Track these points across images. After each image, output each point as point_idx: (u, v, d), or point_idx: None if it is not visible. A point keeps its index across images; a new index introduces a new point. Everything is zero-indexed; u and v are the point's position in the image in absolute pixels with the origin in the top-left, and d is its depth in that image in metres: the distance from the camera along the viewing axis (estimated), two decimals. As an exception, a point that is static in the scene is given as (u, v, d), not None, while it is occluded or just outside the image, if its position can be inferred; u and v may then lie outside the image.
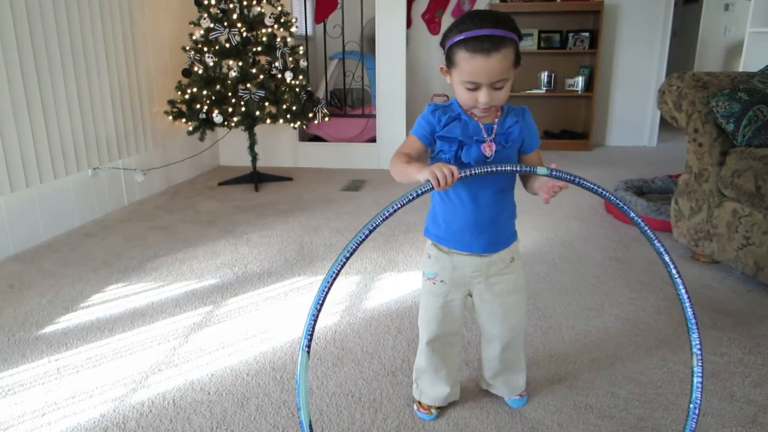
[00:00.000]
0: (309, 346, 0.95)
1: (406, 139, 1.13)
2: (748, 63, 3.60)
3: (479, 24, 0.97)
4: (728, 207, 2.07)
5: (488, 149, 1.07)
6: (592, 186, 0.93)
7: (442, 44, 1.05)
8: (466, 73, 1.00)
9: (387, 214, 0.93)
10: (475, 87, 1.01)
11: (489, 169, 0.95)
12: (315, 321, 0.95)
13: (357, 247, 0.94)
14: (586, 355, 1.59)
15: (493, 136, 1.08)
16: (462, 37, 0.98)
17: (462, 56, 0.99)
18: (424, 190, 0.95)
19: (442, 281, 1.18)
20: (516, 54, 1.01)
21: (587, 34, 4.96)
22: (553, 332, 1.71)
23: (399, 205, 0.93)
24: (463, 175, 0.94)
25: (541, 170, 0.91)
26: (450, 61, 1.04)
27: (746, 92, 2.05)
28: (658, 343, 1.66)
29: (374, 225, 0.93)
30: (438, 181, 0.93)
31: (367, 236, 0.93)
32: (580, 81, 4.99)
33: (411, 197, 0.94)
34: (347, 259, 0.94)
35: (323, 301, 0.95)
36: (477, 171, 0.95)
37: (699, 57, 6.23)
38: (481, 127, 1.08)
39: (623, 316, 1.82)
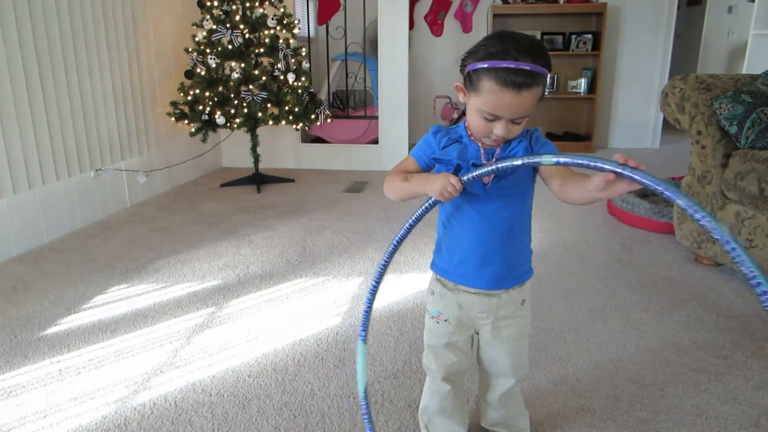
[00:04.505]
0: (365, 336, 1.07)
1: (404, 158, 1.07)
2: (751, 65, 3.59)
3: (515, 54, 0.86)
4: (731, 209, 2.06)
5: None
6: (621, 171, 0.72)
7: (464, 63, 0.94)
8: (489, 105, 0.90)
9: (403, 235, 0.98)
10: (494, 119, 0.92)
11: (489, 169, 0.86)
12: (369, 311, 1.05)
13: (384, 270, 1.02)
14: (589, 357, 1.58)
15: (493, 161, 0.98)
16: (493, 66, 0.87)
17: (488, 87, 0.89)
18: (429, 205, 0.94)
19: (446, 320, 1.08)
20: (543, 89, 0.92)
21: (590, 36, 4.96)
22: (555, 334, 1.71)
23: (413, 221, 0.97)
24: (465, 179, 0.88)
25: (546, 159, 0.78)
26: (471, 85, 0.92)
27: (749, 94, 2.05)
28: (661, 345, 1.65)
29: (392, 249, 0.99)
30: (443, 194, 0.89)
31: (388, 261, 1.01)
32: (582, 83, 4.99)
33: (420, 214, 0.96)
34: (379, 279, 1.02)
35: (375, 293, 1.04)
36: (477, 174, 0.87)
37: (702, 59, 6.22)
38: (481, 151, 0.99)
39: (625, 318, 1.81)
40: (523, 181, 1.01)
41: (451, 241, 1.05)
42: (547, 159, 0.79)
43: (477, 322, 1.08)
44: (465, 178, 0.88)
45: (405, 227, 0.98)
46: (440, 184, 0.89)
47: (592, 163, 0.74)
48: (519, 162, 0.82)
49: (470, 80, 0.92)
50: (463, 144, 0.99)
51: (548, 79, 0.93)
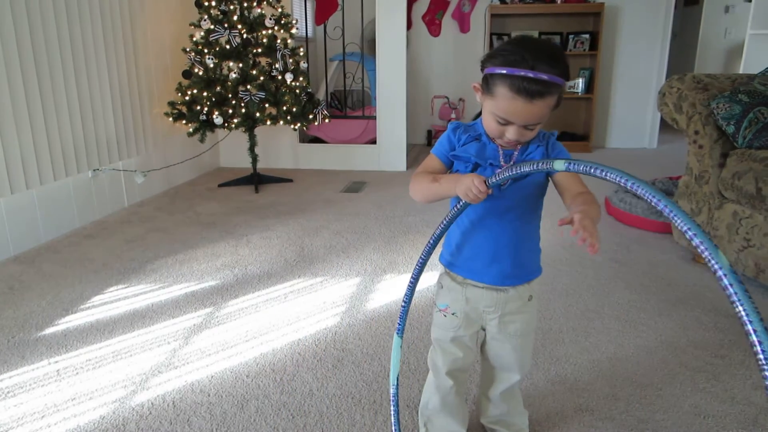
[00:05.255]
0: (401, 331, 1.13)
1: (427, 157, 1.07)
2: (748, 65, 3.60)
3: (531, 62, 0.86)
4: (729, 209, 2.07)
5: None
6: (616, 177, 0.69)
7: (483, 65, 0.95)
8: (501, 110, 0.91)
9: (439, 232, 1.01)
10: (506, 123, 0.93)
11: (514, 173, 0.84)
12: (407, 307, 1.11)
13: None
14: (587, 356, 1.59)
15: (511, 163, 0.98)
16: (506, 72, 0.88)
17: (501, 92, 0.90)
18: (460, 206, 0.95)
19: (453, 314, 1.09)
20: (559, 98, 0.92)
21: (587, 36, 4.96)
22: (553, 334, 1.71)
23: (447, 221, 0.99)
24: (491, 182, 0.88)
25: (558, 164, 0.78)
26: (487, 88, 0.94)
27: (747, 94, 2.05)
28: (659, 344, 1.65)
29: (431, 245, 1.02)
30: (468, 196, 0.90)
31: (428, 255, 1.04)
32: (580, 83, 5.00)
33: (453, 215, 0.98)
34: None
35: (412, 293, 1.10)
36: (503, 176, 0.87)
37: (699, 59, 6.24)
38: (499, 152, 0.99)
39: (623, 318, 1.82)
40: (538, 184, 1.02)
41: (462, 236, 1.06)
42: (559, 164, 0.77)
43: (484, 316, 1.09)
44: (491, 180, 0.88)
45: (440, 227, 1.00)
46: (465, 186, 0.89)
47: (597, 172, 0.71)
48: (541, 165, 0.80)
49: (486, 83, 0.94)
50: (482, 142, 1.00)
51: (565, 87, 0.93)
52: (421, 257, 1.04)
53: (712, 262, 0.53)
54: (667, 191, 3.16)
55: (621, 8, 5.02)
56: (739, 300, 0.51)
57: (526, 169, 0.82)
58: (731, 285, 0.52)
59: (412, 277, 1.07)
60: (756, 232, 1.94)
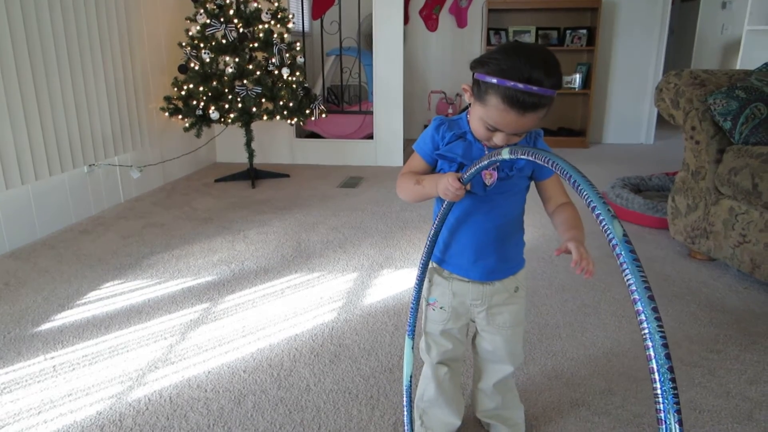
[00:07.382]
0: (412, 333, 1.15)
1: (411, 156, 1.06)
2: (745, 61, 3.61)
3: (526, 75, 0.83)
4: (725, 205, 2.07)
5: (489, 177, 0.97)
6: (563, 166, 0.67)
7: (473, 69, 0.92)
8: (492, 119, 0.89)
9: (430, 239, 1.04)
10: (495, 129, 0.91)
11: (479, 166, 0.86)
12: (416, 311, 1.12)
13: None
14: (583, 351, 1.59)
15: (485, 157, 0.93)
16: (500, 83, 0.85)
17: (493, 102, 0.87)
18: (444, 208, 0.98)
19: (441, 308, 1.10)
20: (550, 106, 0.89)
21: (585, 31, 4.96)
22: (550, 329, 1.72)
23: (439, 223, 1.02)
24: (463, 178, 0.89)
25: (504, 152, 0.78)
26: (478, 93, 0.91)
27: (744, 90, 2.05)
28: (655, 340, 1.66)
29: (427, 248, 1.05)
30: (447, 195, 0.91)
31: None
32: (577, 78, 5.00)
33: (443, 215, 1.00)
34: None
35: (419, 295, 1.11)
36: (471, 171, 0.88)
37: (696, 55, 6.24)
38: (485, 152, 0.97)
39: (620, 313, 1.82)
40: (522, 182, 1.03)
41: (449, 234, 1.07)
42: (505, 152, 0.78)
43: (471, 309, 1.10)
44: (463, 177, 0.89)
45: (433, 228, 1.02)
46: (443, 186, 0.90)
47: (538, 159, 0.71)
48: (494, 156, 0.81)
49: (478, 88, 0.91)
50: (468, 141, 0.99)
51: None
52: (422, 258, 1.05)
53: (608, 232, 0.57)
54: (664, 187, 3.17)
55: (618, 3, 5.02)
56: (629, 269, 0.53)
57: (484, 162, 0.84)
58: (621, 254, 0.55)
59: (417, 279, 1.08)
60: (752, 227, 1.95)
